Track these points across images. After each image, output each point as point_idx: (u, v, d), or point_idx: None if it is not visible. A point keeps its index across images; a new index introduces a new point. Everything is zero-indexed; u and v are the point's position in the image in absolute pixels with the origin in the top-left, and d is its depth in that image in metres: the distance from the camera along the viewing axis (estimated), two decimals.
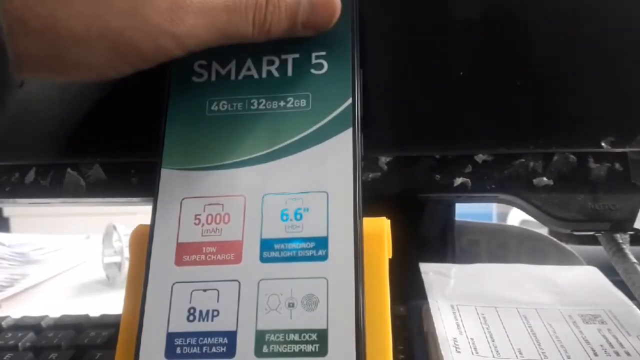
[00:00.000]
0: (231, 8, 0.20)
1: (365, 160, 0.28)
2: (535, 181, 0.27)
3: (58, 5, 0.18)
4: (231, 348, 0.20)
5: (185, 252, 0.21)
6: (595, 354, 0.23)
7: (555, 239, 0.39)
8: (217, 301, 0.20)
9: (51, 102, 0.30)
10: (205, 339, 0.20)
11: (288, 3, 0.21)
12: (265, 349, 0.19)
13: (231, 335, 0.20)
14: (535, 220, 0.29)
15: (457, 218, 0.37)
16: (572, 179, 0.27)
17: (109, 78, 0.21)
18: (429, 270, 0.30)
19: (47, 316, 0.32)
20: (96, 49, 0.19)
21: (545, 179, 0.27)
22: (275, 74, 0.24)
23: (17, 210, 1.44)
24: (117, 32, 0.19)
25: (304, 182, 0.22)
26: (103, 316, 0.31)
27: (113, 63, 0.20)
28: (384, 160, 0.28)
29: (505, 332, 0.25)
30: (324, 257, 0.20)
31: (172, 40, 0.19)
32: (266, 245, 0.21)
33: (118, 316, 0.22)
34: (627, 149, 0.27)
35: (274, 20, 0.21)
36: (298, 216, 0.21)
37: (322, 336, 0.19)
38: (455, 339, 0.24)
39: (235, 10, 0.20)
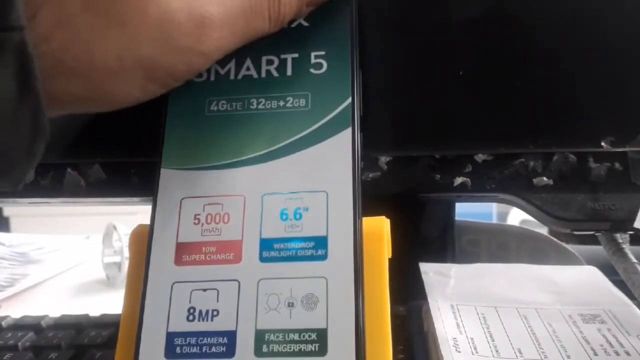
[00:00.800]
0: (249, 12, 0.20)
1: (365, 159, 0.28)
2: (535, 181, 0.27)
3: (91, 42, 0.18)
4: (231, 348, 0.20)
5: (184, 252, 0.21)
6: (595, 354, 0.23)
7: (555, 239, 0.39)
8: (217, 301, 0.20)
9: None
10: (205, 338, 0.20)
11: None
12: (265, 349, 0.19)
13: (231, 335, 0.20)
14: (535, 220, 0.29)
15: (457, 218, 0.37)
16: (572, 178, 0.27)
17: (143, 101, 0.21)
18: (429, 270, 0.30)
19: (47, 316, 0.32)
20: (131, 78, 0.19)
21: (545, 178, 0.27)
22: (275, 73, 0.24)
23: (17, 210, 1.44)
24: (150, 59, 0.19)
25: (304, 182, 0.22)
26: (103, 316, 0.31)
27: (147, 88, 0.20)
28: (383, 160, 0.28)
29: (505, 331, 0.25)
30: (324, 257, 0.20)
31: (201, 58, 0.20)
32: (266, 244, 0.21)
33: (118, 316, 0.22)
34: (627, 149, 0.27)
35: (287, 10, 0.22)
36: (297, 216, 0.21)
37: (321, 336, 0.19)
38: (455, 338, 0.24)
39: (252, 12, 0.20)
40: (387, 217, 0.22)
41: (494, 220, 1.03)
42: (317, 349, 0.19)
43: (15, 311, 0.34)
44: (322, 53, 0.24)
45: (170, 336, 0.20)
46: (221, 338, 0.20)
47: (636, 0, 0.27)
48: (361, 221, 0.21)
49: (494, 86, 0.28)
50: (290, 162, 0.22)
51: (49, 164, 0.29)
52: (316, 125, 0.23)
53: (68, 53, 0.18)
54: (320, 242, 0.21)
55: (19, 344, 0.28)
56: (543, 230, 0.40)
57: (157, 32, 0.18)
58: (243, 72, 0.24)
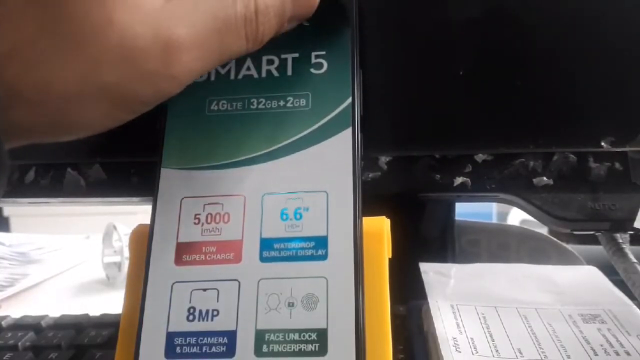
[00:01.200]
0: (223, 31, 0.19)
1: (365, 159, 0.28)
2: (535, 181, 0.27)
3: (50, 69, 0.17)
4: (231, 347, 0.20)
5: (185, 252, 0.21)
6: (595, 354, 0.23)
7: (555, 239, 0.39)
8: (217, 301, 0.20)
9: None
10: (205, 338, 0.20)
11: (275, 5, 0.20)
12: (265, 349, 0.19)
13: (231, 335, 0.20)
14: (535, 220, 0.29)
15: (457, 218, 0.37)
16: (572, 178, 0.27)
17: (110, 128, 0.20)
18: (429, 270, 0.30)
19: (47, 316, 0.32)
20: (95, 106, 0.18)
21: (545, 178, 0.27)
22: (275, 73, 0.24)
23: (17, 210, 1.44)
24: (114, 85, 0.18)
25: (304, 182, 0.22)
26: (103, 316, 0.31)
27: (114, 115, 0.19)
28: (383, 159, 0.28)
29: (505, 331, 0.25)
30: (324, 257, 0.20)
31: (171, 82, 0.19)
32: (266, 244, 0.21)
33: (118, 316, 0.22)
34: (627, 149, 0.27)
35: (266, 28, 0.20)
36: (298, 216, 0.21)
37: (321, 336, 0.19)
38: (455, 338, 0.24)
39: (227, 32, 0.19)
40: (387, 217, 0.22)
41: (494, 220, 1.03)
42: (317, 349, 0.19)
43: (15, 311, 0.34)
44: (322, 53, 0.24)
45: (171, 336, 0.20)
46: (221, 338, 0.20)
47: (636, 0, 0.27)
48: (361, 221, 0.21)
49: (493, 86, 0.28)
50: (291, 162, 0.22)
51: (49, 164, 0.30)
52: (316, 125, 0.23)
53: (25, 81, 0.17)
54: (321, 242, 0.21)
55: (19, 344, 0.28)
56: (543, 230, 0.40)
57: (120, 57, 0.17)
58: (243, 72, 0.24)
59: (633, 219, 0.26)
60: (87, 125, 0.19)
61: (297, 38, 0.24)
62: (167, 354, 0.20)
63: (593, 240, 0.31)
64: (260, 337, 0.20)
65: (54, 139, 0.20)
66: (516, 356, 0.23)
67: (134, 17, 0.17)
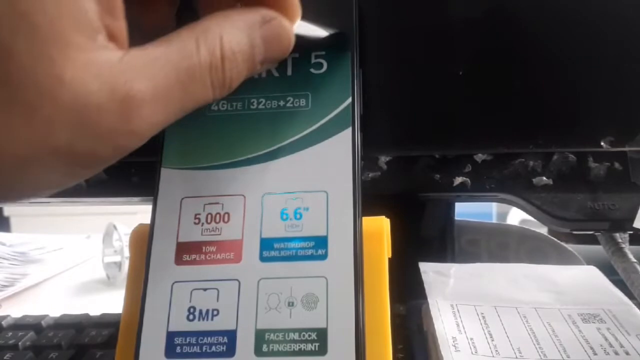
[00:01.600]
0: (186, 81, 0.18)
1: (365, 159, 0.28)
2: (534, 180, 0.27)
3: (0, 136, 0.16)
4: (231, 347, 0.20)
5: (185, 252, 0.21)
6: (595, 353, 0.23)
7: (554, 239, 0.39)
8: (217, 300, 0.20)
9: None
10: (205, 338, 0.20)
11: (244, 50, 0.19)
12: (265, 348, 0.19)
13: (231, 335, 0.20)
14: (535, 220, 0.29)
15: (456, 218, 0.37)
16: (571, 178, 0.27)
17: (69, 186, 0.19)
18: (429, 270, 0.30)
19: (47, 315, 0.32)
20: (50, 168, 0.17)
21: (544, 178, 0.27)
22: (275, 73, 0.24)
23: (17, 210, 1.44)
24: (69, 147, 0.16)
25: (304, 182, 0.22)
26: (103, 315, 0.31)
27: (72, 174, 0.18)
28: (383, 159, 0.28)
29: (505, 331, 0.25)
30: (324, 257, 0.20)
31: (132, 137, 0.17)
32: (266, 244, 0.21)
33: (118, 315, 0.22)
34: (626, 148, 0.27)
35: (234, 74, 0.19)
36: (298, 215, 0.21)
37: (321, 335, 0.19)
38: (454, 338, 0.25)
39: (190, 81, 0.18)
40: (387, 216, 0.22)
41: (494, 220, 1.03)
42: (317, 348, 0.19)
43: (16, 311, 0.34)
44: (323, 53, 0.24)
45: (171, 335, 0.20)
46: (221, 337, 0.20)
47: (636, 0, 0.27)
48: (361, 221, 0.21)
49: (493, 86, 0.28)
50: (291, 162, 0.22)
51: None
52: (316, 125, 0.23)
53: None
54: (321, 242, 0.21)
55: (19, 343, 0.28)
56: (543, 230, 0.40)
57: (73, 116, 0.16)
58: None
59: (632, 219, 0.26)
60: (43, 186, 0.18)
61: (297, 38, 0.24)
62: (167, 354, 0.20)
63: (593, 240, 0.31)
64: (260, 337, 0.20)
65: (10, 202, 0.19)
66: (516, 356, 0.23)
67: (87, 74, 0.16)
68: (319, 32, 0.24)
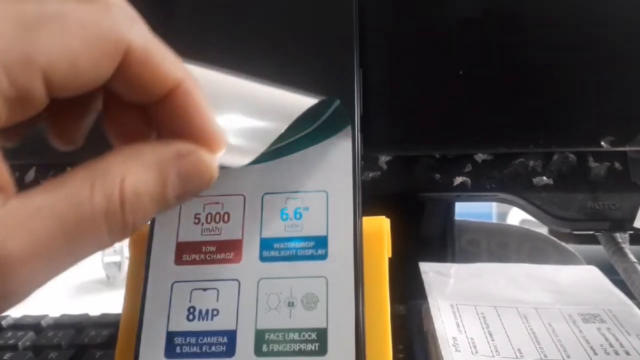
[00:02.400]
0: (73, 232, 0.16)
1: (365, 159, 0.28)
2: (535, 180, 0.27)
3: None
4: (231, 347, 0.20)
5: (184, 251, 0.21)
6: (595, 353, 0.23)
7: (555, 239, 0.39)
8: (217, 300, 0.20)
9: None
10: (205, 338, 0.20)
11: (152, 190, 0.17)
12: (264, 348, 0.19)
13: (231, 335, 0.20)
14: (535, 220, 0.29)
15: (457, 217, 0.37)
16: (571, 178, 0.27)
17: None
18: (429, 270, 0.30)
19: (47, 315, 0.32)
20: None
21: (545, 178, 0.27)
22: None
23: None
24: None
25: (304, 182, 0.22)
26: (103, 315, 0.31)
27: None
28: (383, 159, 0.28)
29: (505, 331, 0.25)
30: (324, 256, 0.20)
31: (8, 298, 0.16)
32: (266, 244, 0.21)
33: (118, 315, 0.22)
34: (626, 148, 0.27)
35: (138, 217, 0.17)
36: (298, 215, 0.21)
37: (321, 335, 0.19)
38: (455, 338, 0.24)
39: (78, 232, 0.16)
40: (387, 216, 0.22)
41: (494, 220, 1.03)
42: (317, 348, 0.19)
43: (15, 311, 0.34)
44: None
45: (171, 335, 0.20)
46: (221, 337, 0.20)
47: (636, 1, 0.27)
48: (361, 221, 0.21)
49: (493, 86, 0.28)
50: (291, 162, 0.22)
51: (49, 163, 0.30)
52: (316, 125, 0.23)
53: None
54: (321, 242, 0.21)
55: (19, 343, 0.28)
56: (543, 230, 0.40)
57: None
58: None
59: (632, 219, 0.26)
60: None
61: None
62: (167, 354, 0.20)
63: (593, 240, 0.31)
64: (260, 337, 0.20)
65: None
66: (516, 356, 0.23)
67: None
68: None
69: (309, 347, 0.19)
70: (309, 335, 0.19)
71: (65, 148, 0.19)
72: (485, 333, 0.25)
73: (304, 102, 0.20)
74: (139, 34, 0.16)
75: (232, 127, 0.19)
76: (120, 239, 0.17)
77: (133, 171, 0.16)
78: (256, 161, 0.22)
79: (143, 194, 0.16)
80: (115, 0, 0.16)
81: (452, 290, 0.28)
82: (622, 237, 0.30)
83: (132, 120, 0.18)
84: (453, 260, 0.36)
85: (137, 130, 0.18)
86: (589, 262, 0.34)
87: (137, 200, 0.16)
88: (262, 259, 0.21)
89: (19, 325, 0.31)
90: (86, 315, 0.32)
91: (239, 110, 0.20)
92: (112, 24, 0.15)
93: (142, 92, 0.17)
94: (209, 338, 0.20)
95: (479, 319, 0.26)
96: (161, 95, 0.17)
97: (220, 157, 0.18)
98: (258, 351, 0.19)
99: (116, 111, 0.18)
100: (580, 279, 0.30)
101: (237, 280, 0.21)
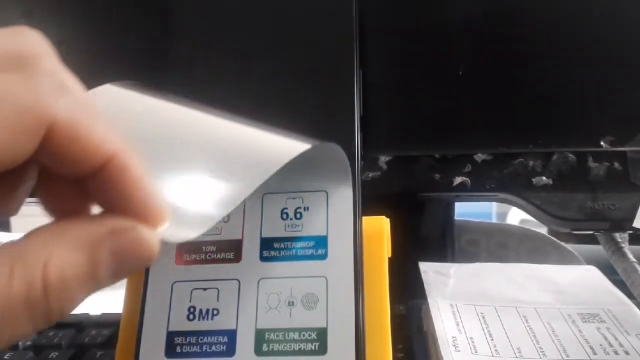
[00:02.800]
0: None
1: (365, 159, 0.28)
2: (534, 180, 0.27)
3: None
4: (231, 346, 0.20)
5: (185, 251, 0.21)
6: (594, 353, 0.23)
7: (554, 239, 0.39)
8: (217, 300, 0.20)
9: None
10: (205, 337, 0.20)
11: (80, 273, 0.15)
12: (265, 348, 0.19)
13: (231, 334, 0.20)
14: (534, 220, 0.29)
15: (456, 217, 0.37)
16: (571, 178, 0.27)
17: None
18: (429, 270, 0.30)
19: None
20: None
21: (544, 178, 0.27)
22: None
23: None
24: None
25: (304, 182, 0.22)
26: (103, 315, 0.31)
27: None
28: (383, 159, 0.28)
29: (505, 331, 0.25)
30: (324, 256, 0.20)
31: None
32: (266, 244, 0.21)
33: (118, 315, 0.22)
34: (626, 148, 0.27)
35: (65, 302, 0.15)
36: (298, 215, 0.21)
37: (321, 335, 0.19)
38: (454, 337, 0.25)
39: None
40: (387, 216, 0.22)
41: (494, 220, 1.03)
42: (317, 348, 0.19)
43: None
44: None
45: (171, 335, 0.20)
46: (221, 337, 0.20)
47: (636, 1, 0.28)
48: (361, 221, 0.21)
49: (493, 86, 0.28)
50: (291, 162, 0.22)
51: None
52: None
53: None
54: (321, 242, 0.21)
55: (19, 343, 0.28)
56: (543, 230, 0.40)
57: None
58: None
59: (632, 219, 0.26)
60: None
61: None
62: (167, 353, 0.20)
63: (592, 240, 0.31)
64: (260, 336, 0.20)
65: None
66: (515, 355, 0.23)
67: None
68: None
69: (309, 346, 0.19)
70: (309, 335, 0.19)
71: (1, 216, 0.18)
72: (484, 333, 0.25)
73: (290, 149, 0.18)
74: (66, 107, 0.15)
75: (193, 185, 0.17)
76: (45, 326, 0.15)
77: (57, 253, 0.15)
78: None
79: (70, 277, 0.15)
80: (45, 67, 0.15)
81: (452, 290, 0.28)
82: (621, 237, 0.30)
83: (68, 193, 0.17)
84: (453, 260, 0.36)
85: (73, 204, 0.17)
86: (588, 262, 0.34)
87: (63, 285, 0.15)
88: (262, 258, 0.21)
89: None
90: (87, 314, 0.32)
91: (212, 160, 0.18)
92: (35, 96, 0.14)
93: (71, 167, 0.15)
94: (209, 338, 0.20)
95: (479, 318, 0.26)
96: (92, 169, 0.15)
97: (163, 231, 0.16)
98: (258, 351, 0.19)
99: (51, 183, 0.17)
100: (579, 279, 0.30)
101: (237, 280, 0.21)
